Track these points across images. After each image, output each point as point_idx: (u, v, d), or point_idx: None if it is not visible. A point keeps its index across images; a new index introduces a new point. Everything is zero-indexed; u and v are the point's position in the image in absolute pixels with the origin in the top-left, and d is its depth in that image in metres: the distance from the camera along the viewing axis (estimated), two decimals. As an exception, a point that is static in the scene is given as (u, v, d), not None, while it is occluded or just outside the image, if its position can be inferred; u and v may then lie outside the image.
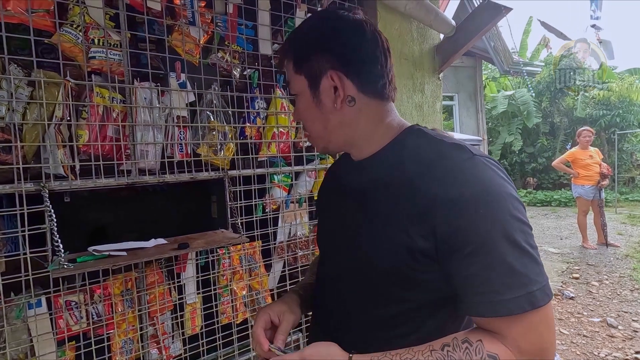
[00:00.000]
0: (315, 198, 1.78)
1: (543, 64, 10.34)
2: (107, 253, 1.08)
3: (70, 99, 1.15)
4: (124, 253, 1.12)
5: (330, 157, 1.78)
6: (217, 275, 1.45)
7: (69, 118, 1.16)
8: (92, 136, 1.20)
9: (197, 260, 1.40)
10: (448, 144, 0.60)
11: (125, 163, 1.26)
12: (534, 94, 11.12)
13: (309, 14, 1.70)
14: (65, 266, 0.98)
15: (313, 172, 1.73)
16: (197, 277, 1.40)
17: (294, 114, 0.71)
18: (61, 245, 1.01)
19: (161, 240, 1.27)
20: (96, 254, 1.07)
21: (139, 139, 1.27)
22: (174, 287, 1.36)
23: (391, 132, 0.66)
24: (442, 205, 0.54)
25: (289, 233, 1.68)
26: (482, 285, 0.52)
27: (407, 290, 0.60)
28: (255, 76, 1.56)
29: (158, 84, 1.32)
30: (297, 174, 1.70)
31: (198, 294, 1.40)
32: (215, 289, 1.44)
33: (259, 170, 1.56)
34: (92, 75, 1.20)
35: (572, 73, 11.18)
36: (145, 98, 1.30)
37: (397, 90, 0.69)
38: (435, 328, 0.61)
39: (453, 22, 1.99)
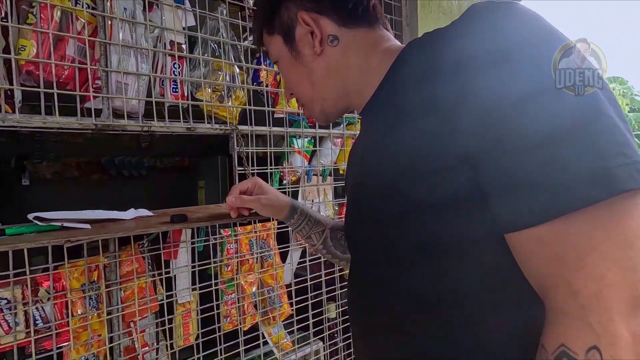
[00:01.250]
0: (342, 172, 1.43)
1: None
2: (58, 224, 0.69)
3: (8, -11, 0.74)
4: (87, 225, 0.72)
5: (359, 121, 1.43)
6: (219, 266, 1.07)
7: (4, 18, 0.76)
8: (43, 52, 0.79)
9: (193, 243, 1.01)
10: (459, 22, 0.43)
11: (94, 98, 0.86)
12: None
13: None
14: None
15: (340, 138, 1.38)
16: (193, 267, 1.02)
17: (285, 89, 0.65)
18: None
19: (144, 212, 0.87)
20: (40, 224, 0.67)
21: (114, 65, 0.88)
22: (161, 280, 0.97)
23: (390, 54, 0.52)
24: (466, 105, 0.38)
25: (310, 213, 1.31)
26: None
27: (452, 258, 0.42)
28: (274, 5, 1.19)
29: (146, -9, 0.93)
30: (320, 140, 1.35)
31: (194, 289, 1.01)
32: (216, 284, 1.06)
33: (276, 129, 1.19)
34: (46, -40, 0.79)
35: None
36: (125, 9, 0.91)
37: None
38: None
39: None
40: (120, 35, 0.88)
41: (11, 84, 0.77)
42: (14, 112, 0.76)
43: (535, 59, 0.37)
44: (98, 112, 0.87)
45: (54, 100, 0.79)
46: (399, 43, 0.56)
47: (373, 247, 0.53)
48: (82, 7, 0.84)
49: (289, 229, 1.22)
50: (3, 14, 0.75)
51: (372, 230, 0.52)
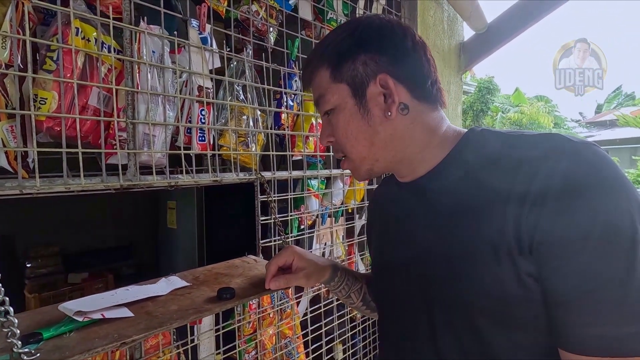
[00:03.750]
0: (350, 211, 1.42)
1: (475, 83, 11.30)
2: (99, 316, 0.59)
3: (28, 32, 0.62)
4: (128, 312, 0.63)
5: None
6: (242, 324, 0.99)
7: (21, 65, 0.64)
8: (65, 103, 0.68)
9: (217, 304, 0.93)
10: (531, 136, 0.49)
11: (120, 153, 0.76)
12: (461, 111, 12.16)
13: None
14: (26, 357, 0.47)
15: (349, 177, 1.37)
16: (218, 331, 0.93)
17: (325, 134, 0.60)
18: (11, 310, 0.50)
19: (176, 281, 0.78)
20: (80, 319, 0.57)
21: (142, 116, 0.78)
22: (185, 351, 0.87)
23: (449, 141, 0.56)
24: (542, 205, 0.42)
25: (323, 256, 1.28)
26: (592, 312, 0.40)
27: (512, 329, 0.46)
28: (295, 45, 1.14)
29: (175, 32, 0.84)
30: (331, 180, 1.32)
31: (217, 354, 0.93)
32: (238, 345, 0.98)
33: (296, 173, 1.15)
34: (71, 0, 0.68)
35: (489, 95, 12.49)
36: (154, 52, 0.81)
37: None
38: None
39: (486, 19, 1.81)
40: (149, 81, 0.79)
41: (26, 143, 0.65)
42: (30, 176, 0.64)
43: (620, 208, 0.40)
44: (123, 168, 0.77)
45: (79, 159, 0.68)
46: (453, 126, 0.58)
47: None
48: (110, 51, 0.74)
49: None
50: (21, 63, 0.63)
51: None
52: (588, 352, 0.40)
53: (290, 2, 1.15)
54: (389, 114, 0.54)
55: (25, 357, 0.48)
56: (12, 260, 2.58)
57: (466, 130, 0.57)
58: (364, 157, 0.57)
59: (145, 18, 0.79)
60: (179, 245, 2.50)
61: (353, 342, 1.37)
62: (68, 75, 0.68)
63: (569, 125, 14.33)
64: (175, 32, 0.84)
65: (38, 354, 0.49)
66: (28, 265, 2.53)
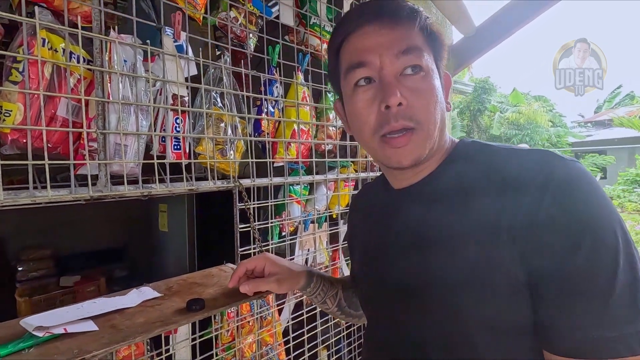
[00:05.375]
0: (335, 216, 1.41)
1: (473, 84, 11.31)
2: (61, 331, 0.58)
3: (-9, 44, 0.62)
4: (93, 325, 0.63)
5: (352, 164, 1.43)
6: (219, 333, 0.99)
7: (-15, 78, 0.64)
8: (31, 114, 0.68)
9: (194, 313, 0.93)
10: (527, 151, 0.50)
11: (90, 164, 0.75)
12: (457, 112, 12.18)
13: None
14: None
15: (332, 182, 1.36)
16: (194, 340, 0.93)
17: (396, 91, 0.50)
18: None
19: (147, 292, 0.78)
20: (40, 335, 0.56)
21: (113, 126, 0.78)
22: (162, 359, 0.87)
23: (446, 146, 0.57)
24: (535, 216, 0.43)
25: (306, 262, 1.28)
26: (580, 316, 0.41)
27: (502, 334, 0.47)
28: (275, 51, 1.14)
29: (148, 41, 0.84)
30: (315, 186, 1.32)
31: (194, 363, 0.93)
32: (216, 353, 0.98)
33: (277, 180, 1.14)
34: (36, 8, 0.67)
35: (485, 95, 12.52)
36: (125, 61, 0.81)
37: None
38: None
39: (474, 22, 1.81)
40: (120, 91, 0.79)
41: (-9, 155, 0.65)
42: (-6, 189, 0.64)
43: (608, 235, 0.42)
44: (95, 178, 0.76)
45: (45, 171, 0.68)
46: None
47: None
48: (78, 61, 0.73)
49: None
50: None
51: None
52: (573, 354, 0.41)
53: (272, 10, 1.14)
54: (449, 100, 0.56)
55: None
56: (3, 263, 2.57)
57: (457, 140, 0.58)
58: (431, 138, 0.52)
59: (117, 27, 0.78)
60: (170, 248, 2.50)
61: (337, 347, 1.37)
62: (34, 86, 0.67)
63: (567, 125, 14.32)
64: (148, 41, 0.83)
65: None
66: (19, 268, 2.53)
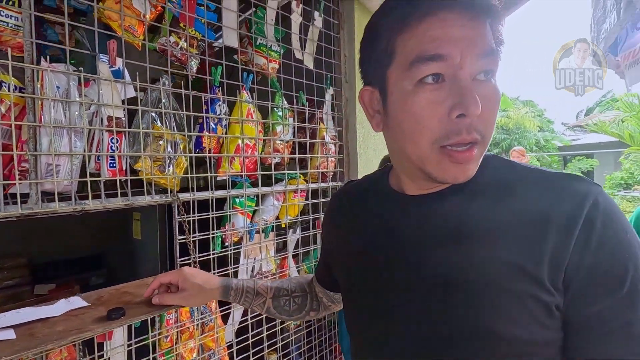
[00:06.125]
0: (284, 226, 1.48)
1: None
2: (-22, 337, 0.65)
3: None
4: (11, 334, 0.69)
5: (301, 176, 1.50)
6: (158, 339, 1.05)
7: None
8: (-40, 140, 0.74)
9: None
10: (554, 172, 0.47)
11: (20, 183, 0.82)
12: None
13: (280, 9, 1.42)
14: None
15: (281, 194, 1.43)
16: (130, 346, 0.99)
17: (477, 99, 0.42)
18: None
19: (77, 302, 0.84)
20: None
21: (44, 147, 0.84)
22: (94, 365, 0.93)
23: None
24: (577, 244, 0.41)
25: (252, 271, 1.34)
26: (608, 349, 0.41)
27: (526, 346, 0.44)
28: (217, 72, 1.21)
29: (81, 68, 0.91)
30: (262, 197, 1.39)
31: (130, 368, 0.99)
32: (155, 358, 1.04)
33: (219, 193, 1.21)
34: (-35, 44, 0.74)
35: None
36: (58, 87, 0.88)
37: None
38: None
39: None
40: (52, 114, 0.85)
41: None
42: None
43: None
44: (25, 196, 0.83)
45: (-27, 192, 0.74)
46: None
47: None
48: (10, 89, 0.80)
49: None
50: None
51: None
52: None
53: (215, 35, 1.22)
54: None
55: None
56: (-22, 272, 2.60)
57: None
58: (486, 145, 0.47)
59: (48, 57, 0.85)
60: (143, 255, 2.55)
61: (286, 351, 1.43)
62: (-37, 114, 0.74)
63: (555, 130, 14.51)
64: (81, 69, 0.90)
65: None
66: (-6, 276, 2.56)
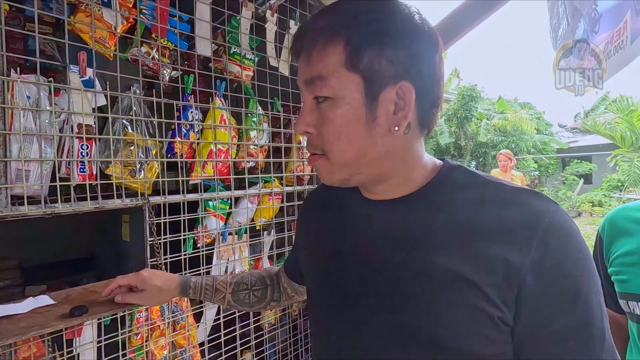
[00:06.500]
0: (258, 228, 1.53)
1: (456, 92, 11.51)
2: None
3: None
4: (-24, 328, 0.74)
5: (276, 180, 1.55)
6: (127, 336, 1.10)
7: None
8: None
9: (99, 318, 1.04)
10: (514, 186, 0.49)
11: (-10, 188, 0.87)
12: (444, 119, 12.38)
13: (255, 18, 1.48)
14: None
15: (256, 197, 1.48)
16: (100, 342, 1.04)
17: (305, 122, 0.50)
18: None
19: (44, 300, 0.89)
20: None
21: (14, 154, 0.89)
22: (63, 360, 0.98)
23: (428, 168, 0.54)
24: (533, 264, 0.43)
25: (226, 271, 1.39)
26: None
27: None
28: (190, 80, 1.26)
29: (51, 79, 0.96)
30: (237, 200, 1.44)
31: (99, 364, 1.04)
32: (125, 354, 1.09)
33: (191, 196, 1.26)
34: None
35: (472, 102, 12.72)
36: (29, 97, 0.93)
37: None
38: None
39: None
40: (22, 123, 0.90)
41: None
42: None
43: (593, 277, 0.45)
44: (-5, 201, 0.88)
45: (-56, 196, 0.79)
46: (427, 154, 0.56)
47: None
48: (-21, 100, 0.85)
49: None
50: None
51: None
52: None
53: (187, 44, 1.27)
54: (396, 128, 0.47)
55: None
56: (-30, 273, 2.65)
57: (441, 161, 0.55)
58: (348, 165, 0.50)
59: (18, 68, 0.90)
60: (131, 257, 2.60)
61: (260, 349, 1.47)
62: None
63: (553, 132, 14.54)
64: (51, 79, 0.95)
65: None
66: (-15, 279, 2.61)
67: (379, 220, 0.54)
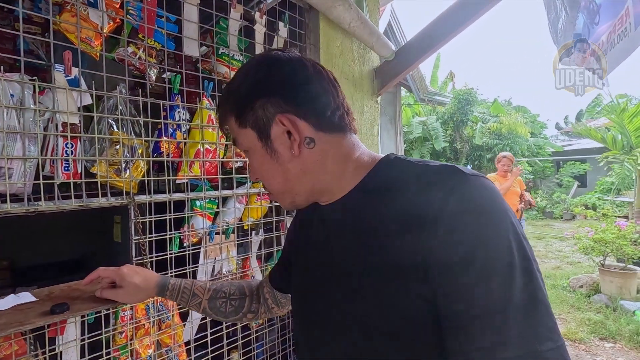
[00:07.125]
0: (246, 227, 1.53)
1: (452, 95, 11.58)
2: None
3: None
4: (-45, 324, 0.74)
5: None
6: (112, 335, 1.10)
7: None
8: None
9: (83, 316, 1.04)
10: (436, 167, 0.52)
11: (-28, 185, 0.87)
12: (440, 122, 12.45)
13: (245, 19, 1.49)
14: None
15: (244, 197, 1.49)
16: (83, 341, 1.04)
17: (250, 173, 0.65)
18: None
19: (26, 297, 0.89)
20: None
21: (-2, 152, 0.90)
22: (45, 358, 0.98)
23: (364, 166, 0.58)
24: (435, 232, 0.45)
25: (213, 271, 1.39)
26: (476, 338, 0.42)
27: (408, 350, 0.49)
28: (177, 80, 1.27)
29: (35, 77, 0.97)
30: (225, 200, 1.44)
31: (83, 362, 1.04)
32: (109, 352, 1.09)
33: (177, 195, 1.26)
34: None
35: (468, 106, 12.80)
36: (12, 95, 0.93)
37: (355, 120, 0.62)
38: None
39: (393, 47, 1.97)
40: (5, 121, 0.91)
41: None
42: None
43: (503, 233, 0.44)
44: (-23, 198, 0.88)
45: None
46: (369, 151, 0.61)
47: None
48: (-38, 98, 0.86)
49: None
50: None
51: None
52: None
53: (174, 44, 1.28)
54: (293, 151, 0.55)
55: None
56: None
57: (382, 156, 0.59)
58: (283, 192, 0.60)
59: (1, 67, 0.91)
60: (122, 258, 2.59)
61: (247, 349, 1.47)
62: None
63: (548, 135, 14.65)
64: (36, 78, 0.96)
65: None
66: (-25, 280, 2.60)
67: (328, 222, 0.61)
